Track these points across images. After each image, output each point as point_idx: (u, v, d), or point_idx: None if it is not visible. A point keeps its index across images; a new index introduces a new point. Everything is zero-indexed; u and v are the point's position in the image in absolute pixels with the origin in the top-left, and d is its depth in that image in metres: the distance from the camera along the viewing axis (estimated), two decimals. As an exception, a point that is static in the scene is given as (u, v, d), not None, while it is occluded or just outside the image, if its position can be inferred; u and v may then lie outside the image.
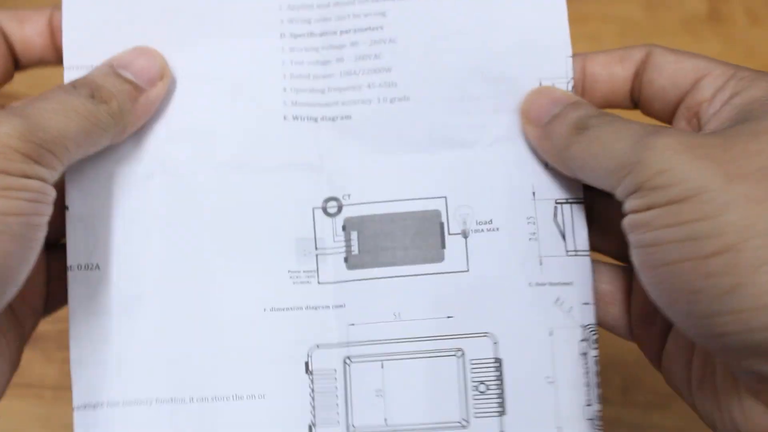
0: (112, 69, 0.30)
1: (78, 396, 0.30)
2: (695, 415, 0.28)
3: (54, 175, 0.27)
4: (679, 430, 0.39)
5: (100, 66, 0.30)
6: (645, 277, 0.25)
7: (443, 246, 0.31)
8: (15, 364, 0.30)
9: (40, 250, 0.26)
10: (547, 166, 0.31)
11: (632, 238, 0.25)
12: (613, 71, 0.31)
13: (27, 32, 0.31)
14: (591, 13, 0.54)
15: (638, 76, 0.30)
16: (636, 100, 0.31)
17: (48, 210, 0.27)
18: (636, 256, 0.25)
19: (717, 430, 0.27)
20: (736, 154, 0.23)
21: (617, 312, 0.31)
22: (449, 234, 0.31)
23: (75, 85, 0.28)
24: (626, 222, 0.25)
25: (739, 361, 0.24)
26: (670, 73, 0.29)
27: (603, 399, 0.29)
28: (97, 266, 0.31)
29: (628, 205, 0.25)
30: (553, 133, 0.29)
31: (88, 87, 0.28)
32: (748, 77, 0.27)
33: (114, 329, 0.30)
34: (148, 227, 0.31)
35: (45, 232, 0.26)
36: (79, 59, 0.31)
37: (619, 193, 0.26)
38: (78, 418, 0.30)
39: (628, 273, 0.31)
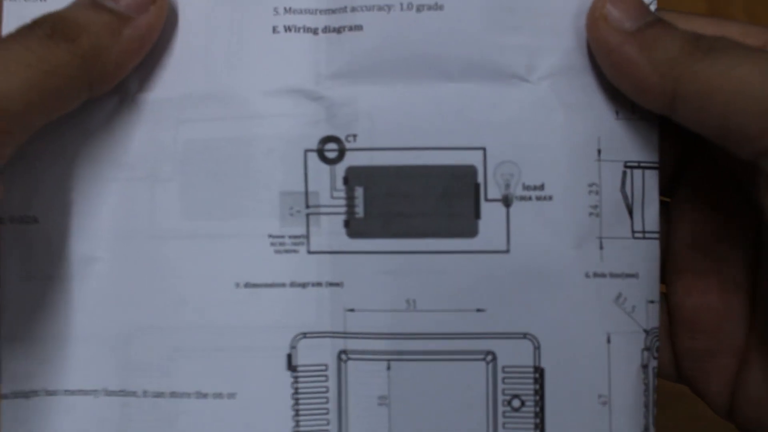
0: None
1: (7, 381, 0.24)
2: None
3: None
4: (680, 430, 0.38)
5: None
6: None
7: (477, 216, 0.23)
8: None
9: None
10: (618, 114, 0.23)
11: None
12: None
13: None
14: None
15: None
16: None
17: None
18: None
19: None
20: None
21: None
22: (486, 200, 0.23)
23: (35, 23, 0.22)
24: None
25: None
26: None
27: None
28: (35, 218, 0.24)
29: None
30: (657, 43, 0.21)
31: (49, 24, 0.21)
32: None
33: (55, 298, 0.24)
34: (98, 172, 0.24)
35: None
36: None
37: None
38: (7, 409, 0.24)
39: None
